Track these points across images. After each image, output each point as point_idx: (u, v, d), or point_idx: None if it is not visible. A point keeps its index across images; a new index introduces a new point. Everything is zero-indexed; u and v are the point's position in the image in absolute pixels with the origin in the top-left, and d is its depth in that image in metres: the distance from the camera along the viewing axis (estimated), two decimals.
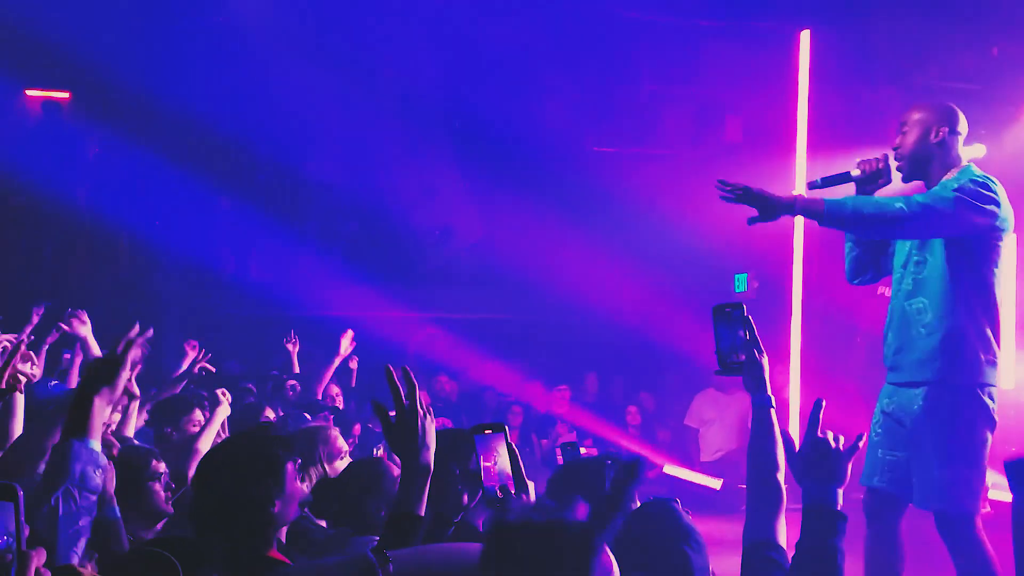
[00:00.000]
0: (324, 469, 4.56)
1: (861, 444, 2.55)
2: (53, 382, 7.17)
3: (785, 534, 2.85)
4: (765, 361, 3.08)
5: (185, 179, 11.22)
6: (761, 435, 2.96)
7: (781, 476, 2.89)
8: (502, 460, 3.06)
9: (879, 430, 4.57)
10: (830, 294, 9.32)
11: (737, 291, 10.97)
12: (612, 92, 11.13)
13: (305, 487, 4.17)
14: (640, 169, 11.55)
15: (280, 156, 11.66)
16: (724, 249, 10.75)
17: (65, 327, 5.70)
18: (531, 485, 3.25)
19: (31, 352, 4.04)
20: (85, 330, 5.74)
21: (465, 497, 3.25)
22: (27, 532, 2.06)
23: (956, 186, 4.30)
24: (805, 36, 8.57)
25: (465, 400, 11.47)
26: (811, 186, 4.77)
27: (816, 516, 2.46)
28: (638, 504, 3.57)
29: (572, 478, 3.22)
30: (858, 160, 4.65)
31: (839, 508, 2.47)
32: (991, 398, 4.37)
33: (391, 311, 11.96)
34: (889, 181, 4.62)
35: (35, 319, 7.29)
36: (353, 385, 9.12)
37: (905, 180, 4.62)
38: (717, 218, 10.46)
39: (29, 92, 12.23)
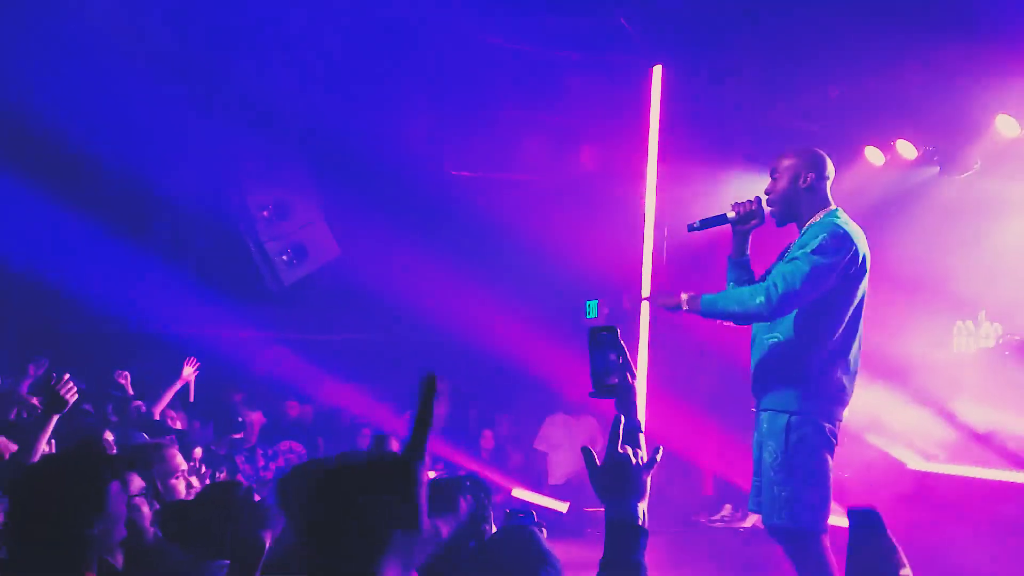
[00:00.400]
0: (160, 487, 4.43)
1: (658, 457, 2.54)
2: None
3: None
4: (637, 384, 3.13)
5: (24, 188, 10.74)
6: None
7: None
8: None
9: (754, 458, 4.81)
10: (677, 321, 9.55)
11: (588, 316, 11.14)
12: (472, 116, 11.19)
13: (143, 505, 4.05)
14: (498, 194, 11.64)
15: (128, 167, 11.29)
16: (577, 275, 10.92)
17: None
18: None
19: None
20: None
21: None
22: None
23: (815, 246, 4.58)
24: (657, 71, 8.81)
25: (320, 421, 11.31)
26: (689, 228, 5.10)
27: (618, 532, 2.43)
28: (494, 529, 3.58)
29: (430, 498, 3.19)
30: (732, 203, 4.96)
31: (640, 523, 2.44)
32: (834, 427, 4.64)
33: (238, 329, 11.72)
34: (763, 222, 4.94)
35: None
36: (191, 400, 8.87)
37: (778, 225, 4.94)
38: (571, 245, 10.68)
39: None
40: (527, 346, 10.52)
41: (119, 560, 3.37)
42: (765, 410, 4.73)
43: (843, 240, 4.59)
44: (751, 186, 9.86)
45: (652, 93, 8.71)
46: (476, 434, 11.20)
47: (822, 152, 4.93)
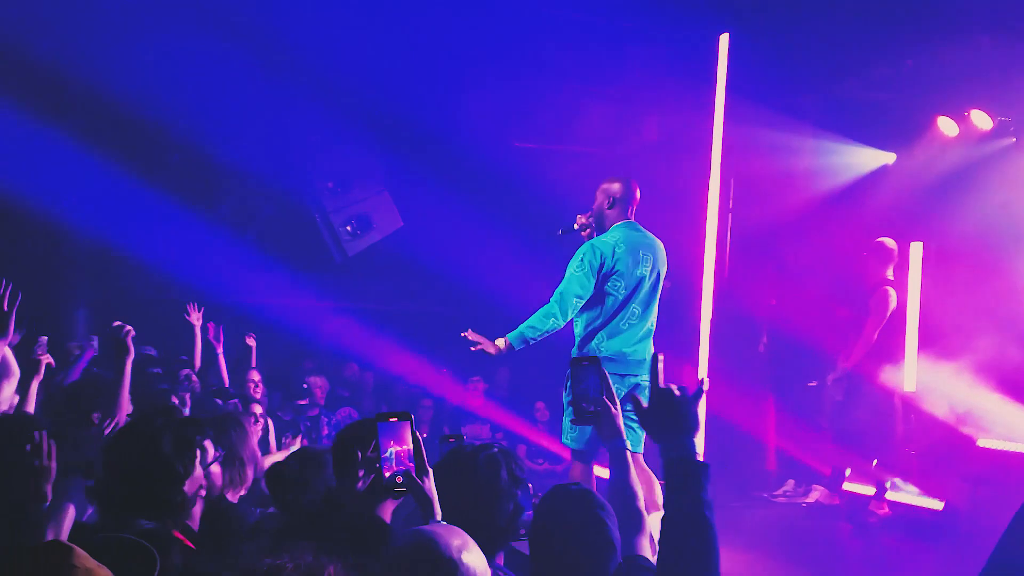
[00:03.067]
0: (241, 457, 4.52)
1: (705, 388, 2.52)
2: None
3: (649, 549, 3.02)
4: (617, 409, 3.26)
5: (96, 158, 10.95)
6: (620, 473, 3.15)
7: (640, 503, 3.12)
8: (404, 448, 3.09)
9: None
10: (737, 296, 9.47)
11: None
12: (535, 88, 11.14)
13: (218, 472, 4.14)
14: (560, 166, 11.59)
15: (195, 138, 11.43)
16: None
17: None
18: (430, 477, 3.26)
19: None
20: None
21: (360, 482, 3.25)
22: None
23: (579, 259, 6.21)
24: (724, 40, 8.69)
25: (378, 391, 11.41)
26: (558, 232, 6.68)
27: (678, 469, 2.38)
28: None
29: (449, 469, 3.22)
30: (577, 216, 6.51)
31: (699, 458, 2.40)
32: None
33: (304, 299, 11.85)
34: (595, 231, 6.43)
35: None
36: (253, 365, 9.02)
37: (595, 235, 6.41)
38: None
39: None
40: None
41: (196, 522, 3.45)
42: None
43: (593, 254, 6.17)
44: (821, 158, 9.76)
45: (719, 63, 8.60)
46: (531, 405, 11.22)
47: (628, 180, 6.53)
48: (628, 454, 3.23)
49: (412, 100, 10.76)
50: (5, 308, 3.79)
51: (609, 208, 6.37)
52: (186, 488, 2.91)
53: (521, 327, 6.30)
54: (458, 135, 11.27)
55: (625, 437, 3.28)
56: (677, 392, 2.47)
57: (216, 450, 3.41)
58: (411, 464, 3.10)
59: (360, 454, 3.24)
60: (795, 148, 9.83)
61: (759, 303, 9.53)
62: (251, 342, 9.15)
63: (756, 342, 9.53)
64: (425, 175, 11.48)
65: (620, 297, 6.22)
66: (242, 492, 4.54)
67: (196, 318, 8.85)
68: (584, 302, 6.23)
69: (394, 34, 10.38)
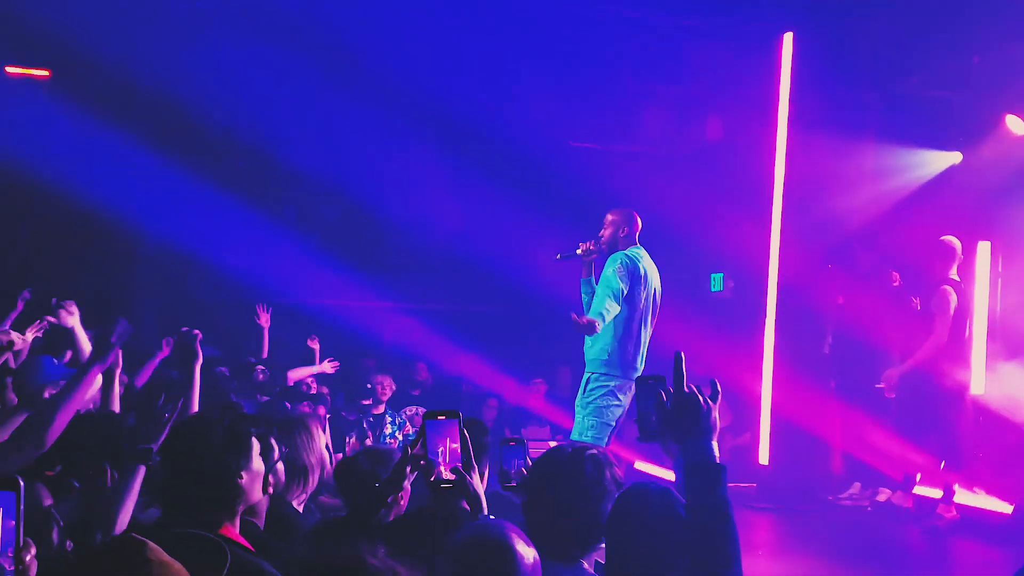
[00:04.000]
0: (307, 462, 4.55)
1: (719, 388, 2.53)
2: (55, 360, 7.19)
3: None
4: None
5: (164, 162, 11.15)
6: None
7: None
8: (453, 446, 3.13)
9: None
10: (802, 296, 9.38)
11: (713, 290, 11.01)
12: (594, 88, 11.12)
13: (282, 471, 4.19)
14: (619, 166, 11.56)
15: (259, 141, 11.60)
16: (701, 248, 10.79)
17: (52, 319, 5.55)
18: (476, 473, 3.30)
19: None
20: (73, 320, 5.64)
21: (406, 479, 3.29)
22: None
23: (612, 268, 6.89)
24: (788, 38, 8.63)
25: (440, 390, 11.46)
26: (555, 258, 7.23)
27: (698, 473, 2.41)
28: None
29: (550, 468, 3.24)
30: (580, 243, 7.14)
31: (717, 460, 2.42)
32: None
33: (368, 300, 11.95)
34: (601, 255, 7.08)
35: (20, 306, 7.25)
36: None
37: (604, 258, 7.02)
38: (695, 217, 10.55)
39: (9, 69, 12.11)
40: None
41: (261, 523, 3.49)
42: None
43: (624, 267, 6.92)
44: (887, 157, 9.63)
45: (782, 61, 8.54)
46: None
47: (633, 212, 7.18)
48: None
49: (470, 100, 10.81)
50: (113, 340, 3.90)
51: (623, 235, 7.09)
52: (243, 483, 2.94)
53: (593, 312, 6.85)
54: (516, 135, 11.29)
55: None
56: (700, 396, 2.49)
57: (280, 447, 3.46)
58: (459, 461, 3.13)
59: (408, 451, 3.28)
60: (860, 147, 9.71)
61: (824, 303, 9.42)
62: (314, 345, 9.25)
63: (821, 343, 9.42)
64: (484, 175, 11.52)
65: (642, 308, 6.99)
66: (304, 496, 4.58)
67: (265, 320, 8.99)
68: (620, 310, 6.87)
69: (453, 36, 10.44)
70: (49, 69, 12.12)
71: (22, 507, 2.05)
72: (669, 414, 2.50)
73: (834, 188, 9.62)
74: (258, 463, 3.02)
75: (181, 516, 2.86)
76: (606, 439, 6.83)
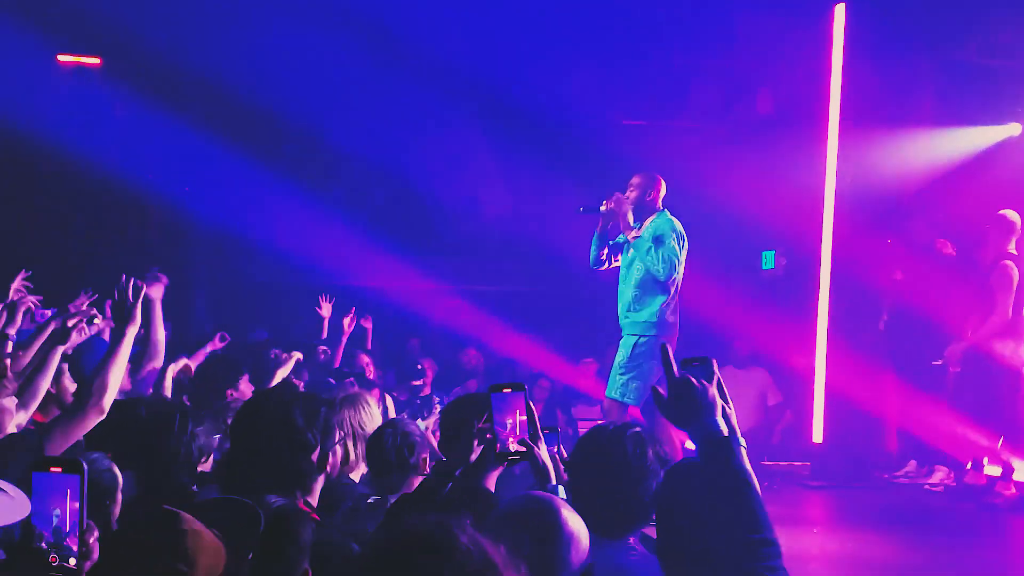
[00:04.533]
0: (359, 436, 4.58)
1: (716, 369, 2.56)
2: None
3: None
4: (731, 411, 3.18)
5: (214, 146, 11.25)
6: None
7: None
8: (519, 418, 3.12)
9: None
10: (856, 273, 9.23)
11: (764, 268, 10.88)
12: (642, 64, 11.02)
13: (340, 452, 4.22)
14: (669, 142, 11.43)
15: (308, 124, 11.66)
16: (753, 226, 10.65)
17: (142, 284, 5.64)
18: (542, 443, 3.28)
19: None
20: (157, 293, 5.76)
21: (474, 454, 3.28)
22: None
23: (671, 234, 7.12)
24: (840, 9, 8.46)
25: (492, 372, 11.45)
26: (578, 211, 7.48)
27: (710, 449, 2.45)
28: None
29: (593, 447, 3.22)
30: (604, 200, 7.29)
31: (725, 434, 2.45)
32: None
33: (417, 281, 11.97)
34: (620, 217, 7.21)
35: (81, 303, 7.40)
36: (369, 347, 9.14)
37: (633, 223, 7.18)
38: (746, 194, 10.42)
39: (61, 58, 12.27)
40: (699, 299, 10.35)
41: (315, 498, 3.51)
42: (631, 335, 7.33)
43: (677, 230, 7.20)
44: (943, 129, 9.44)
45: (834, 33, 8.39)
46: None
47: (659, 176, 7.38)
48: (744, 452, 3.20)
49: (519, 81, 10.77)
50: (131, 299, 3.99)
51: (649, 198, 7.25)
52: (316, 459, 2.97)
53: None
54: (565, 114, 11.24)
55: (739, 435, 3.27)
56: (691, 379, 2.52)
57: (339, 430, 3.47)
58: (525, 433, 3.14)
59: (475, 426, 3.27)
60: (915, 119, 9.52)
61: (879, 279, 9.26)
62: (367, 324, 9.29)
63: (876, 320, 9.27)
64: (533, 155, 11.47)
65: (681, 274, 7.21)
66: (359, 470, 4.60)
67: (327, 310, 9.08)
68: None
69: (501, 16, 10.39)
70: (100, 57, 12.28)
71: (86, 490, 2.07)
72: (668, 402, 2.53)
73: (888, 161, 9.45)
74: (330, 441, 3.06)
75: (250, 489, 2.85)
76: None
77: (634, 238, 7.17)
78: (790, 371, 9.90)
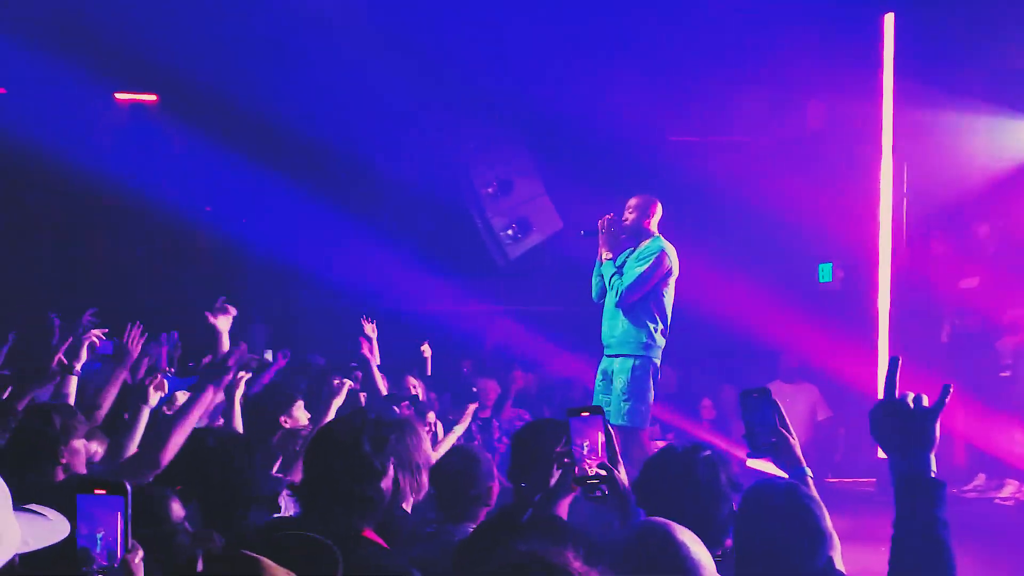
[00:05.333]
0: (417, 463, 4.58)
1: (947, 399, 2.29)
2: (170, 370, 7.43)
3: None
4: (794, 440, 3.16)
5: (268, 177, 11.41)
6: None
7: (828, 522, 2.95)
8: (597, 442, 3.09)
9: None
10: (916, 284, 9.09)
11: (821, 281, 10.75)
12: (689, 80, 10.98)
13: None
14: (719, 158, 11.39)
15: (357, 153, 11.77)
16: (808, 238, 10.55)
17: (210, 316, 5.71)
18: (622, 466, 3.25)
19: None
20: (225, 324, 5.78)
21: (553, 479, 3.25)
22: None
23: (654, 258, 7.06)
24: (889, 18, 8.38)
25: (545, 393, 11.42)
26: (580, 234, 7.48)
27: (909, 488, 2.22)
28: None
29: (663, 468, 3.18)
30: (599, 221, 7.25)
31: (934, 475, 2.22)
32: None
33: (468, 304, 12.00)
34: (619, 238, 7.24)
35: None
36: (428, 374, 9.16)
37: (629, 244, 7.21)
38: (800, 206, 10.32)
39: (118, 95, 12.54)
40: (754, 313, 10.26)
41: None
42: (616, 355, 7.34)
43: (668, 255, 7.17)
44: (999, 134, 9.28)
45: (884, 42, 8.30)
46: (696, 403, 11.01)
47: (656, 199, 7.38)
48: (811, 483, 3.14)
49: (564, 99, 10.79)
50: (231, 363, 4.07)
51: (646, 222, 7.24)
52: (385, 487, 2.98)
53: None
54: (612, 132, 11.22)
55: (804, 464, 3.21)
56: (913, 405, 2.28)
57: (391, 455, 3.47)
58: (604, 456, 3.11)
59: (553, 450, 3.25)
60: (970, 125, 9.37)
61: (940, 289, 9.11)
62: (426, 352, 9.32)
63: (938, 330, 9.11)
64: (581, 174, 11.47)
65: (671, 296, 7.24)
66: (415, 498, 4.59)
67: (371, 329, 9.10)
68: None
69: (544, 35, 10.43)
70: (157, 94, 12.53)
71: (130, 511, 2.08)
72: (878, 420, 2.32)
73: (944, 168, 9.30)
74: (392, 469, 3.06)
75: (322, 518, 2.89)
76: (648, 422, 7.31)
77: (605, 260, 7.22)
78: (848, 385, 9.75)
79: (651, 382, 7.20)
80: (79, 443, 4.17)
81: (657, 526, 2.57)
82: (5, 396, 4.95)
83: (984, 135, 9.47)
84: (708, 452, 3.14)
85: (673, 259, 7.18)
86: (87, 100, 11.74)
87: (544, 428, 3.67)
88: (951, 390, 2.29)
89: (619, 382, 7.13)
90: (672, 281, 7.22)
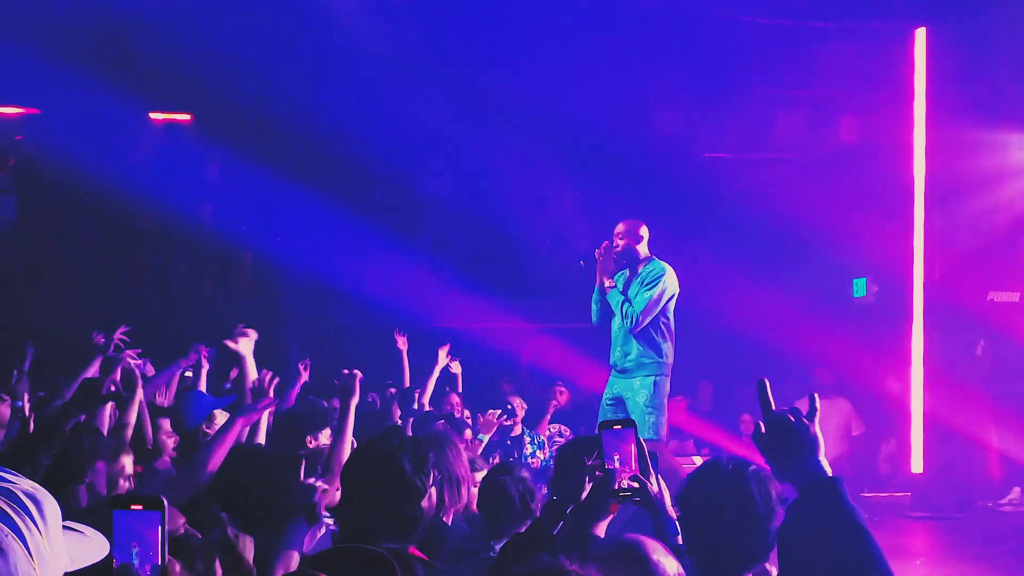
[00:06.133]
0: (458, 477, 4.63)
1: (817, 405, 2.43)
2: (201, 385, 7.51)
3: None
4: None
5: (303, 196, 11.50)
6: None
7: None
8: (630, 455, 3.12)
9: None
10: (951, 298, 9.07)
11: (856, 296, 10.73)
12: (723, 97, 11.01)
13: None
14: (753, 174, 11.40)
15: (394, 171, 11.86)
16: (842, 253, 10.54)
17: (230, 343, 5.75)
18: (654, 478, 3.27)
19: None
20: (247, 348, 5.80)
21: (584, 491, 3.29)
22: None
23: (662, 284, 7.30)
24: (921, 34, 8.39)
25: (580, 409, 11.45)
26: (580, 264, 7.89)
27: (810, 491, 2.34)
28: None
29: (712, 485, 3.19)
30: (596, 251, 7.51)
31: (829, 475, 2.33)
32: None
33: (504, 322, 12.04)
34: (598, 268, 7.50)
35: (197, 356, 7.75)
36: (459, 391, 9.22)
37: (621, 269, 7.46)
38: (834, 222, 10.32)
39: (152, 115, 12.68)
40: (789, 329, 10.25)
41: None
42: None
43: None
44: None
45: (915, 58, 8.32)
46: (732, 418, 11.00)
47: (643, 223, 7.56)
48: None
49: (600, 118, 10.83)
50: (265, 386, 4.18)
51: (637, 245, 7.43)
52: (425, 506, 3.02)
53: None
54: (646, 149, 11.25)
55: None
56: (792, 417, 2.41)
57: (433, 471, 3.53)
58: (636, 469, 3.14)
59: (585, 462, 3.28)
60: (1003, 139, 9.36)
61: (974, 304, 9.09)
62: (455, 369, 9.37)
63: (973, 345, 9.08)
64: (616, 192, 11.51)
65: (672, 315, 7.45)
66: (455, 510, 4.65)
67: (402, 343, 9.18)
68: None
69: (580, 55, 10.49)
70: (191, 113, 12.67)
71: (166, 528, 2.12)
72: (763, 441, 2.44)
73: (978, 183, 9.29)
74: (431, 487, 3.09)
75: (365, 537, 2.92)
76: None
77: (609, 288, 7.46)
78: (883, 400, 9.73)
79: (665, 397, 7.49)
80: (103, 465, 4.27)
81: (631, 543, 2.62)
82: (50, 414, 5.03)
83: (1016, 149, 9.45)
84: (755, 467, 3.14)
85: (674, 279, 7.45)
86: (122, 120, 11.88)
87: (583, 444, 3.68)
88: (816, 399, 2.43)
89: (642, 397, 7.34)
90: (674, 300, 7.47)
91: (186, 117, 12.83)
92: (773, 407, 2.46)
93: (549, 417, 9.82)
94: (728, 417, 11.01)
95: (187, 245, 12.87)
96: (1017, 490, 8.77)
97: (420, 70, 10.43)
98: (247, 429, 5.41)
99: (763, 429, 2.46)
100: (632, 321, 7.30)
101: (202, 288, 13.26)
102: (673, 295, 7.39)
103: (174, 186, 12.04)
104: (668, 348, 7.44)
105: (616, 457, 3.16)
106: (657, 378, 7.39)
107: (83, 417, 4.08)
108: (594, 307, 7.71)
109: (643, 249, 7.52)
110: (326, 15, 10.46)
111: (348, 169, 11.68)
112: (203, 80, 10.84)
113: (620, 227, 7.56)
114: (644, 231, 7.55)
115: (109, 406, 5.05)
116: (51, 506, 1.76)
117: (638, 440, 3.20)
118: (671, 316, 7.44)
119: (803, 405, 2.47)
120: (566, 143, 11.55)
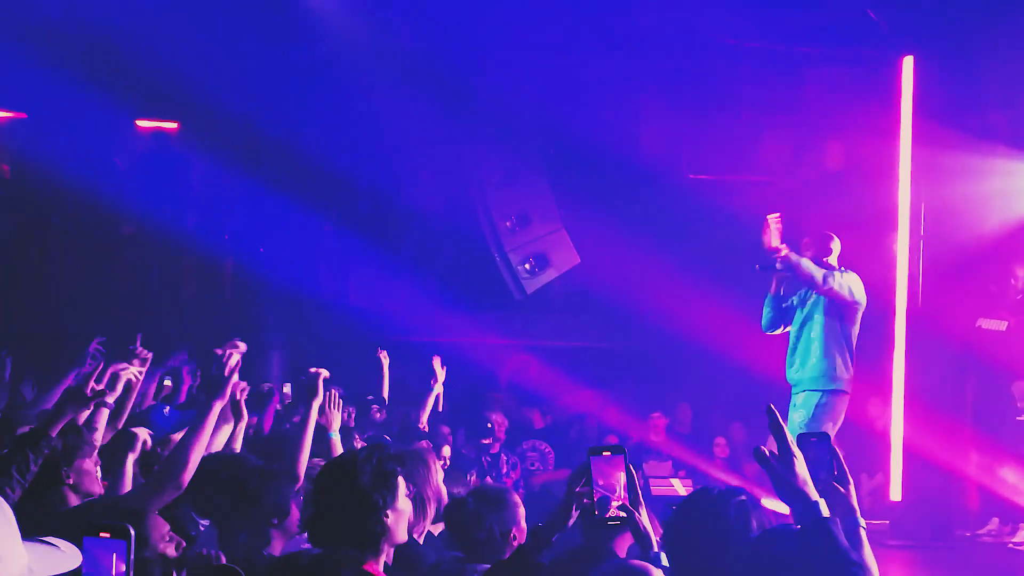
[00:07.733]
0: (426, 492, 4.59)
1: (795, 451, 2.44)
2: (166, 409, 7.42)
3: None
4: (849, 489, 3.04)
5: (288, 206, 11.47)
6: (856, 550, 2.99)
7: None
8: (618, 482, 3.06)
9: None
10: (935, 325, 9.05)
11: None
12: (710, 119, 11.04)
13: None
14: (738, 197, 11.41)
15: (378, 183, 11.84)
16: None
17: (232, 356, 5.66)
18: (643, 509, 3.22)
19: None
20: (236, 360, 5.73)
21: (571, 518, 3.24)
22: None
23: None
24: (908, 62, 8.40)
25: (560, 427, 11.41)
26: (755, 268, 7.70)
27: (812, 532, 2.35)
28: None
29: (698, 512, 3.15)
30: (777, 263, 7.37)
31: (826, 514, 2.35)
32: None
33: (485, 337, 12.00)
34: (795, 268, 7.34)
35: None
36: (440, 410, 9.17)
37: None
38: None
39: (139, 123, 12.65)
40: (769, 353, 10.22)
41: (390, 557, 3.53)
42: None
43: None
44: (1014, 177, 9.28)
45: (902, 85, 8.33)
46: (710, 441, 10.98)
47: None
48: (863, 532, 3.12)
49: (586, 135, 10.84)
50: (224, 373, 4.08)
51: (825, 257, 7.45)
52: (388, 520, 2.99)
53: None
54: (632, 169, 11.26)
55: (859, 514, 3.18)
56: (797, 454, 2.43)
57: (408, 486, 3.49)
58: (626, 497, 3.08)
59: (573, 488, 3.23)
60: (988, 169, 9.37)
61: (960, 332, 9.07)
62: (437, 388, 9.34)
63: (956, 373, 9.07)
64: (600, 210, 11.51)
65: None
66: (423, 527, 4.60)
67: (384, 355, 9.16)
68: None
69: (567, 74, 10.51)
70: (178, 121, 12.64)
71: (132, 555, 2.11)
72: (772, 469, 2.41)
73: (963, 211, 9.29)
74: (404, 503, 3.07)
75: (327, 551, 2.96)
76: None
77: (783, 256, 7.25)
78: (866, 430, 9.70)
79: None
80: (88, 463, 4.18)
81: (636, 568, 2.61)
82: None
83: (1001, 177, 9.46)
84: (743, 497, 3.09)
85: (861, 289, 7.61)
86: (108, 127, 11.85)
87: (578, 471, 3.64)
88: (842, 460, 2.51)
89: (801, 415, 7.45)
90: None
91: (173, 125, 12.81)
92: (787, 441, 2.44)
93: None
94: (707, 440, 10.99)
95: (170, 253, 12.82)
96: (996, 520, 8.74)
97: (405, 82, 10.42)
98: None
99: (768, 453, 2.43)
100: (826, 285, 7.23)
101: (184, 296, 13.19)
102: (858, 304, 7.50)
103: (159, 193, 12.01)
104: (838, 362, 7.48)
105: (604, 484, 3.10)
106: (823, 395, 7.46)
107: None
108: (766, 313, 7.76)
109: (833, 261, 7.54)
110: (313, 27, 10.45)
111: (332, 179, 11.65)
112: (191, 89, 10.82)
113: (806, 240, 7.68)
114: (832, 242, 7.58)
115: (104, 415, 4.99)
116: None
117: (628, 467, 3.14)
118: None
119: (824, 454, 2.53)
120: (551, 158, 11.55)
